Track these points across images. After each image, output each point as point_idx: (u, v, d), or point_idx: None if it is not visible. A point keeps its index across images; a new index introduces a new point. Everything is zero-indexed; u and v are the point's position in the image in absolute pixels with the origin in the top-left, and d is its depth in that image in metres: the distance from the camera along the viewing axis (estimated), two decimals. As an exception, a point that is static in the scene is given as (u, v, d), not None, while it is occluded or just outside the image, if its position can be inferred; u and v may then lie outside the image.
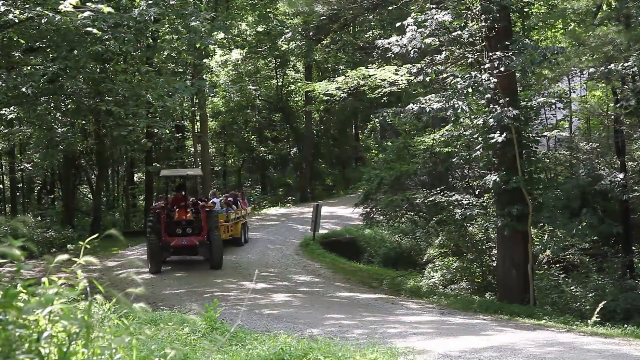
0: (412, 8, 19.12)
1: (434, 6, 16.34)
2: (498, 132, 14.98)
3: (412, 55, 15.85)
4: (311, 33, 35.05)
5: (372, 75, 17.77)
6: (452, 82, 15.62)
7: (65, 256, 3.36)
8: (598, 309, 13.20)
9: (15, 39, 15.34)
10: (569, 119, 21.59)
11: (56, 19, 12.43)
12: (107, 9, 10.90)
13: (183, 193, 20.24)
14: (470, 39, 16.07)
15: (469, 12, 15.85)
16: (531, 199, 15.62)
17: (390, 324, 12.10)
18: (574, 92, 22.35)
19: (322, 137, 43.84)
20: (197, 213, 19.15)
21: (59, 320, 3.09)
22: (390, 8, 24.12)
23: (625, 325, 12.72)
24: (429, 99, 15.21)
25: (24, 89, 14.95)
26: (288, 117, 42.41)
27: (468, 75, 15.08)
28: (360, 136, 47.37)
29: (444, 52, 16.75)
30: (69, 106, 20.28)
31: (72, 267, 3.48)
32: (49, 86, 16.95)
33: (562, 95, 19.15)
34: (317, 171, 42.12)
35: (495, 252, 17.22)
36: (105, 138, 29.17)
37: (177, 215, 18.99)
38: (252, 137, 44.02)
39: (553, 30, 21.44)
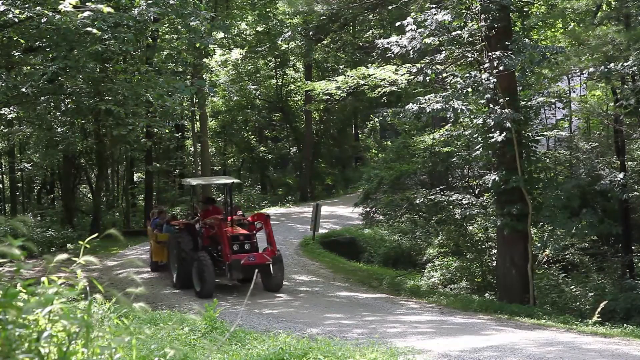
0: (411, 8, 19.13)
1: (434, 6, 16.34)
2: (498, 131, 14.99)
3: (412, 55, 15.85)
4: (311, 33, 35.02)
5: (371, 74, 17.78)
6: (452, 82, 15.62)
7: (65, 256, 3.37)
8: (599, 309, 13.20)
9: (15, 39, 15.33)
10: (568, 118, 21.59)
11: (56, 18, 12.41)
12: (106, 9, 10.90)
13: (215, 205, 18.18)
14: (470, 39, 16.06)
15: (469, 12, 15.85)
16: (531, 199, 15.63)
17: (390, 324, 12.10)
18: (574, 91, 22.33)
19: (321, 137, 43.83)
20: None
21: (59, 319, 3.09)
22: (390, 8, 24.12)
23: (625, 325, 12.72)
24: (429, 99, 15.21)
25: (23, 89, 14.93)
26: (288, 117, 42.41)
27: (468, 75, 15.09)
28: (360, 136, 47.38)
29: (443, 52, 16.75)
30: (69, 106, 20.26)
31: (72, 267, 3.48)
32: (48, 86, 16.93)
33: (561, 95, 19.14)
34: (317, 171, 42.12)
35: (495, 251, 17.23)
36: (105, 137, 29.18)
37: (221, 228, 15.93)
38: (252, 136, 44.03)
39: (553, 30, 21.42)
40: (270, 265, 15.41)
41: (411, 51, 15.56)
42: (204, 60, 29.22)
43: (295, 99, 43.07)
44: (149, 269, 19.34)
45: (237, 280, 15.94)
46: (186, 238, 16.42)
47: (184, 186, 41.56)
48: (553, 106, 19.97)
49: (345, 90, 19.25)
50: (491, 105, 15.30)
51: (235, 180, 18.96)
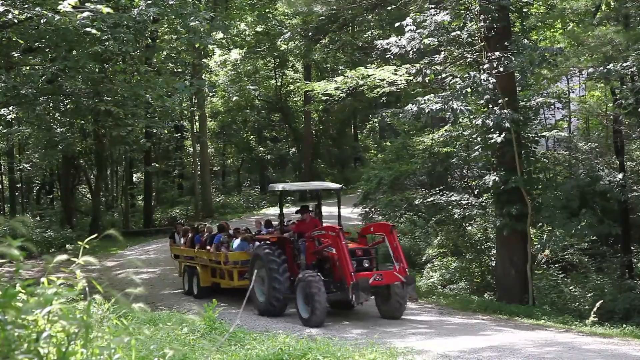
0: (411, 8, 19.12)
1: (433, 6, 16.34)
2: (497, 132, 14.99)
3: (411, 56, 15.85)
4: (310, 33, 35.02)
5: (371, 75, 17.79)
6: (451, 82, 15.61)
7: (64, 256, 3.37)
8: (595, 309, 13.21)
9: (14, 39, 15.33)
10: (567, 119, 21.59)
11: (55, 19, 12.41)
12: (106, 10, 10.91)
13: (312, 215, 15.38)
14: (469, 39, 16.06)
15: (468, 12, 15.84)
16: (530, 199, 15.63)
17: (389, 324, 12.11)
18: (573, 92, 22.33)
19: (321, 137, 43.85)
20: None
21: (58, 320, 3.09)
22: (389, 8, 24.11)
23: (624, 325, 12.74)
24: (428, 99, 15.20)
25: (23, 90, 14.93)
26: (287, 117, 42.43)
27: (467, 75, 15.08)
28: (359, 136, 47.39)
29: (442, 52, 16.75)
30: (68, 106, 20.28)
31: (71, 267, 3.48)
32: (48, 86, 16.94)
33: (561, 96, 19.13)
34: (316, 171, 42.12)
35: (494, 252, 17.22)
36: (104, 138, 29.20)
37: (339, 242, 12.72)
38: (251, 137, 44.03)
39: (552, 31, 21.43)
40: (400, 286, 12.65)
41: (410, 52, 15.55)
42: (204, 60, 29.23)
43: (294, 99, 43.08)
44: (193, 295, 16.33)
45: (362, 303, 12.52)
46: (281, 255, 13.62)
47: (183, 187, 41.73)
48: (552, 106, 19.96)
49: (344, 90, 19.26)
50: (490, 106, 15.30)
51: (331, 186, 16.23)
